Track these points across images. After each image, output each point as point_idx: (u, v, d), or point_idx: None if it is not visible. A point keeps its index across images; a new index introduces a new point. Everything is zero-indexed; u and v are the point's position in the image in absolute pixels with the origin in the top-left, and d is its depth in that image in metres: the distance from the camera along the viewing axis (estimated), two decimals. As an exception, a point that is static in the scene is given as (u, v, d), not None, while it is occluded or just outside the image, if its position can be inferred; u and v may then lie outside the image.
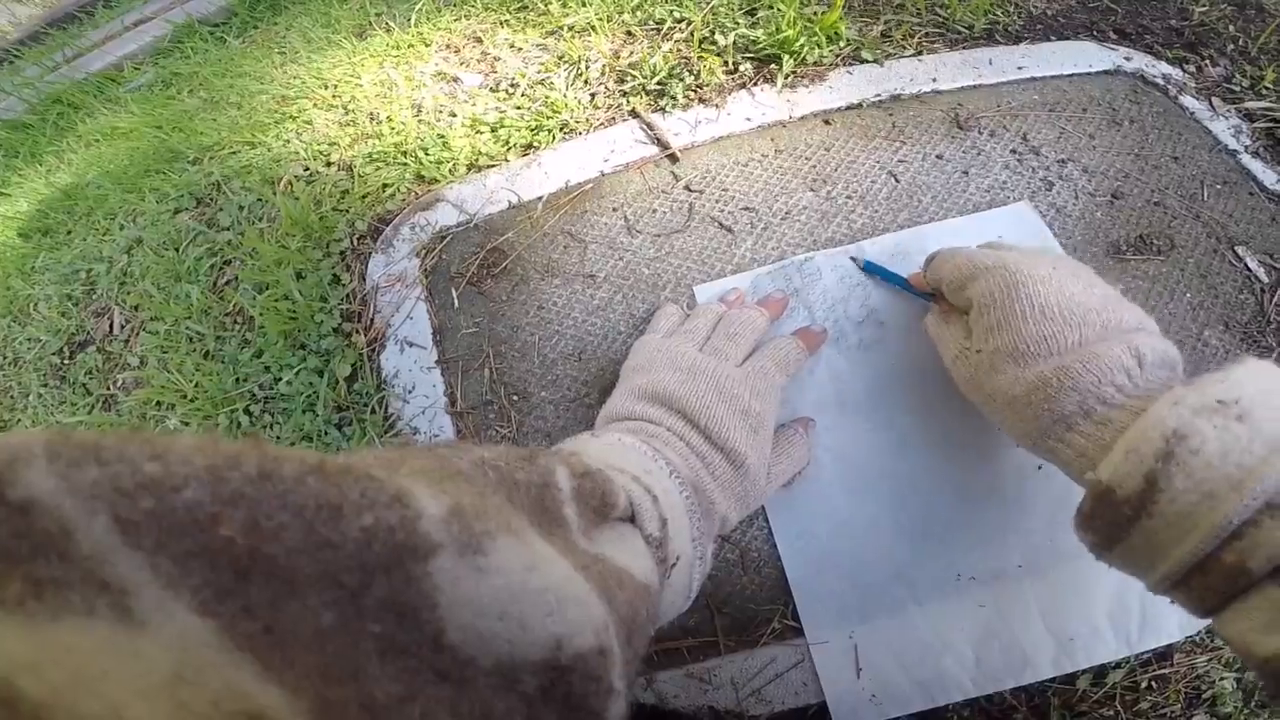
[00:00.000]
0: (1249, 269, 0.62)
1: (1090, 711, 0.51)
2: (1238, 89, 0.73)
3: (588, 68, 0.79)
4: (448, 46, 0.90)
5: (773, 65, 0.75)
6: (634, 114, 0.75)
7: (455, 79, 0.85)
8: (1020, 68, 0.74)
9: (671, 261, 0.65)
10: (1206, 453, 0.33)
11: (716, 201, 0.68)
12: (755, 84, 0.75)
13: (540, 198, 0.70)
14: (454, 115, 0.80)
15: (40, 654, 0.14)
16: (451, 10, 0.94)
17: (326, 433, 0.65)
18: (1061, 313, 0.42)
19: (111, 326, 0.82)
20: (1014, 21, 0.79)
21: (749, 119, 0.72)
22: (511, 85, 0.81)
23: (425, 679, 0.21)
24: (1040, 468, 0.54)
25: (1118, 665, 0.51)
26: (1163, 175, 0.67)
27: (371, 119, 0.84)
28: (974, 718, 0.51)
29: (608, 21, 0.83)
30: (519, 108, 0.79)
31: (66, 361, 0.82)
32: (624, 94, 0.77)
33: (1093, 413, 0.40)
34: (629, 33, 0.82)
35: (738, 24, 0.79)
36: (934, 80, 0.73)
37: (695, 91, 0.75)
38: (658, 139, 0.72)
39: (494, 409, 0.62)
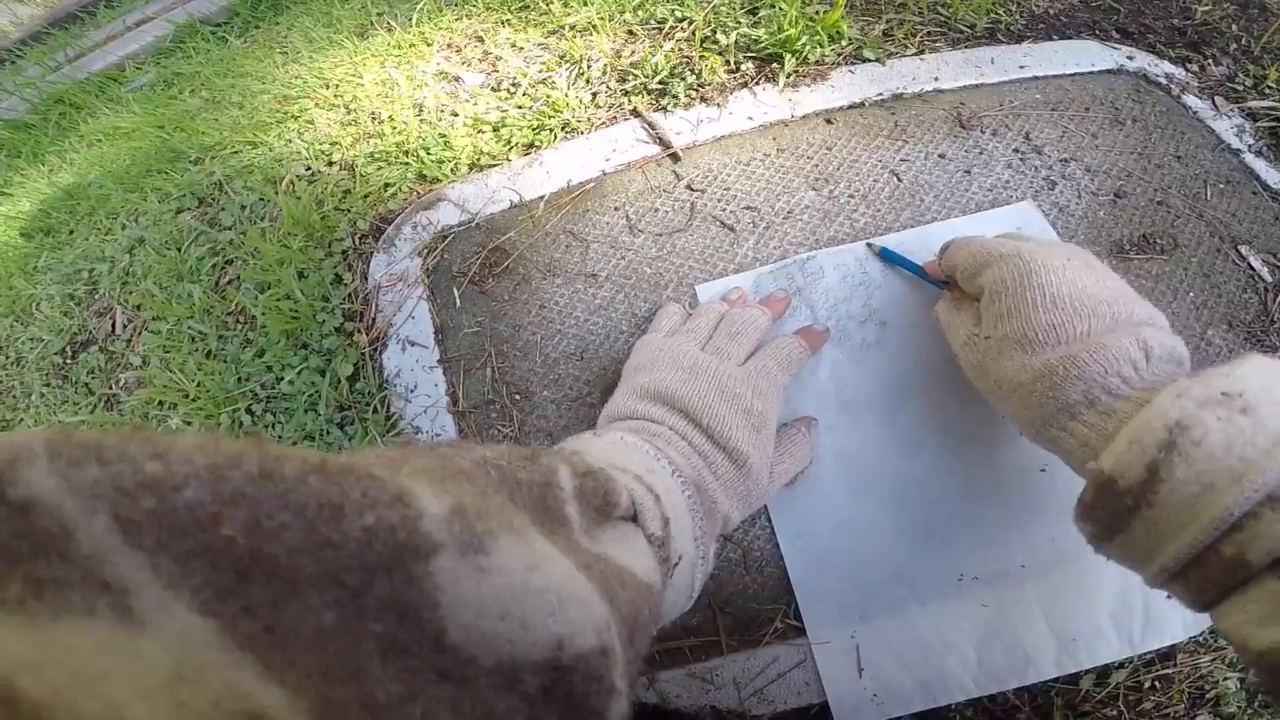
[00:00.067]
0: (1252, 268, 0.61)
1: (1093, 711, 0.51)
2: (1241, 88, 0.73)
3: (589, 67, 0.79)
4: (449, 46, 0.90)
5: (774, 64, 0.75)
6: (636, 113, 0.74)
7: (457, 78, 0.85)
8: (1022, 67, 0.73)
9: (673, 261, 0.65)
10: (1209, 444, 0.33)
11: (718, 201, 0.68)
12: (757, 83, 0.75)
13: (542, 197, 0.70)
14: (456, 115, 0.80)
15: (40, 654, 0.14)
16: (453, 10, 0.94)
17: (329, 432, 0.65)
18: (1072, 303, 0.42)
19: (114, 326, 0.82)
20: (1016, 20, 0.79)
21: (751, 118, 0.72)
22: (513, 84, 0.81)
23: (426, 679, 0.21)
24: (1044, 470, 0.54)
25: (1121, 665, 0.51)
26: (1166, 174, 0.66)
27: (373, 118, 0.84)
28: (977, 718, 0.51)
29: (609, 21, 0.83)
30: (520, 107, 0.78)
31: (69, 361, 0.82)
32: (626, 93, 0.77)
33: (1097, 402, 0.40)
34: (630, 32, 0.82)
35: (739, 23, 0.79)
36: (936, 79, 0.73)
37: (697, 90, 0.75)
38: (659, 138, 0.72)
39: (496, 408, 0.62)
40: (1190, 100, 0.71)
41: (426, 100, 0.83)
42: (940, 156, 0.68)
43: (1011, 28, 0.79)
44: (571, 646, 0.24)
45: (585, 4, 0.86)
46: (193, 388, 0.71)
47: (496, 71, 0.84)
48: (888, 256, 0.62)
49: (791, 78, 0.74)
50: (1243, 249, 0.62)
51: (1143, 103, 0.71)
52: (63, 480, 0.16)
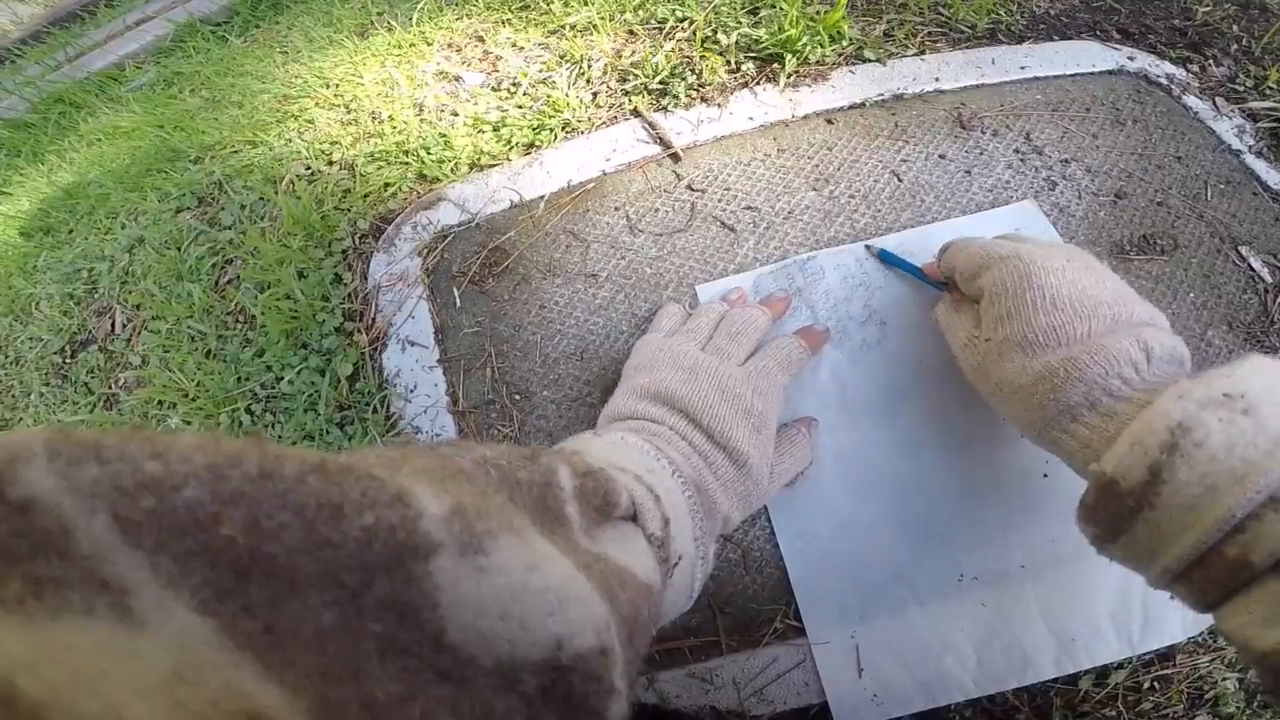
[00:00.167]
0: (1252, 269, 0.61)
1: (1092, 712, 0.51)
2: (1241, 89, 0.73)
3: (590, 67, 0.79)
4: (449, 45, 0.90)
5: (775, 64, 0.75)
6: (636, 113, 0.74)
7: (457, 78, 0.85)
8: (1023, 67, 0.73)
9: (673, 261, 0.65)
10: (1211, 445, 0.33)
11: (719, 201, 0.68)
12: (758, 83, 0.75)
13: (542, 197, 0.70)
14: (456, 114, 0.80)
15: (39, 653, 0.14)
16: (453, 9, 0.94)
17: (328, 432, 0.65)
18: (1072, 304, 0.42)
19: (113, 325, 0.82)
20: (1017, 21, 0.79)
21: (751, 118, 0.72)
22: (513, 84, 0.81)
23: (426, 678, 0.21)
24: (1046, 475, 0.54)
25: (1120, 666, 0.51)
26: (1166, 175, 0.66)
27: (373, 118, 0.84)
28: (976, 718, 0.51)
29: (610, 20, 0.83)
30: (521, 107, 0.78)
31: (68, 360, 0.82)
32: (626, 93, 0.77)
33: (1098, 404, 0.40)
34: (631, 32, 0.82)
35: (740, 23, 0.79)
36: (937, 80, 0.73)
37: (697, 91, 0.75)
38: (660, 138, 0.72)
39: (496, 408, 0.62)
40: (1191, 101, 0.71)
41: (427, 100, 0.83)
42: (941, 157, 0.68)
43: (1012, 28, 0.79)
44: (571, 646, 0.24)
45: (586, 4, 0.86)
46: (192, 387, 0.71)
47: (497, 71, 0.84)
48: (886, 258, 0.62)
49: (792, 78, 0.74)
50: (1243, 250, 0.62)
51: (1143, 103, 0.71)
52: (62, 479, 0.16)
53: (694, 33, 0.78)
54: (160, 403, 0.73)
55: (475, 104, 0.80)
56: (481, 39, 0.88)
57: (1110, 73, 0.73)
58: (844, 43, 0.77)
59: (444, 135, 0.78)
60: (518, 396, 0.62)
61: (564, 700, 0.24)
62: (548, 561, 0.25)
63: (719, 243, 0.66)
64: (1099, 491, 0.37)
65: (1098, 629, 0.51)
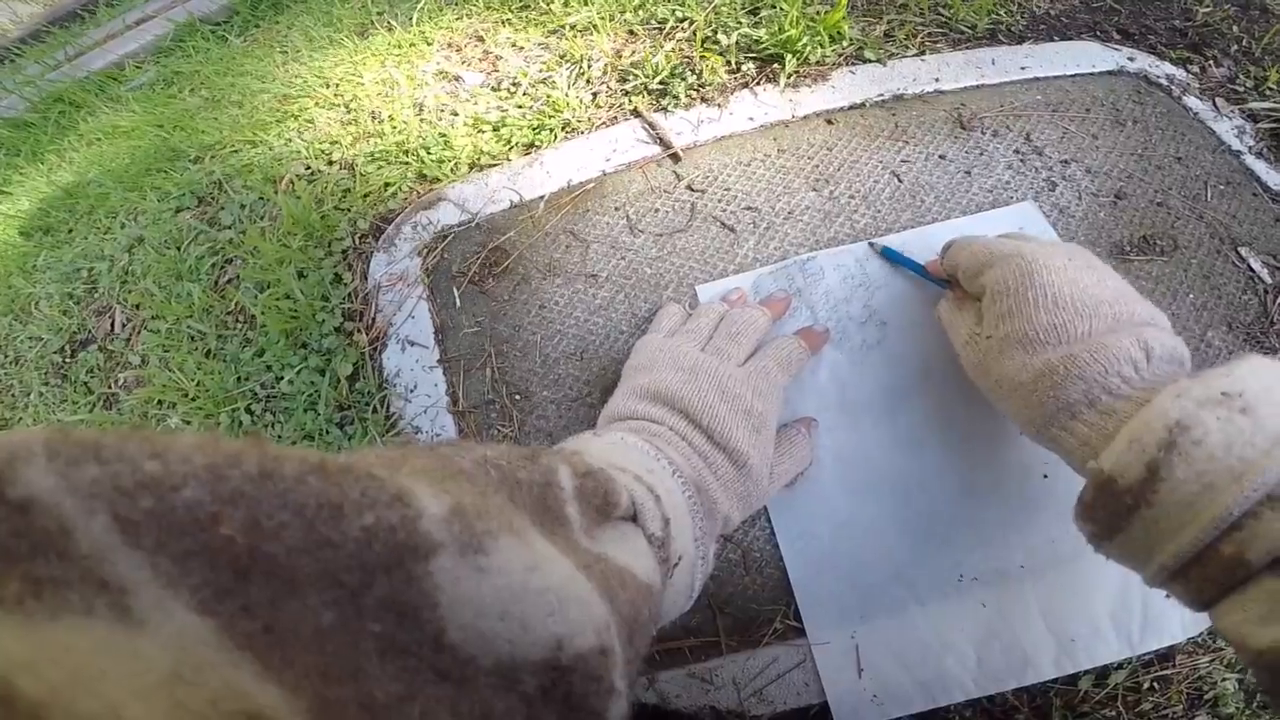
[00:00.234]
0: (1252, 270, 0.61)
1: (1092, 712, 0.51)
2: (1241, 90, 0.73)
3: (590, 67, 0.79)
4: (449, 45, 0.90)
5: (775, 65, 0.75)
6: (636, 113, 0.74)
7: (457, 78, 0.85)
8: (1023, 68, 0.73)
9: (673, 261, 0.65)
10: (1209, 444, 0.33)
11: (719, 201, 0.68)
12: (758, 83, 0.75)
13: (542, 197, 0.70)
14: (456, 114, 0.80)
15: (38, 653, 0.13)
16: (453, 9, 0.94)
17: (328, 432, 0.65)
18: (1073, 303, 0.42)
19: (113, 325, 0.82)
20: (1017, 21, 0.79)
21: (751, 118, 0.72)
22: (513, 84, 0.81)
23: (425, 678, 0.21)
24: (1046, 476, 0.54)
25: (1120, 666, 0.51)
26: (1166, 176, 0.66)
27: (373, 118, 0.84)
28: (976, 718, 0.51)
29: (610, 20, 0.83)
30: (521, 107, 0.78)
31: (68, 360, 0.82)
32: (626, 93, 0.77)
33: (1098, 402, 0.40)
34: (631, 32, 0.82)
35: (740, 23, 0.79)
36: (937, 80, 0.73)
37: (697, 91, 0.75)
38: (660, 138, 0.72)
39: (496, 408, 0.62)
40: (1191, 101, 0.71)
41: (427, 100, 0.83)
42: (941, 157, 0.68)
43: (1012, 29, 0.79)
44: (571, 647, 0.24)
45: (586, 3, 0.86)
46: (192, 387, 0.71)
47: (497, 71, 0.84)
48: (890, 256, 0.62)
49: (792, 78, 0.74)
50: (1243, 250, 0.62)
51: (1143, 104, 0.71)
52: (61, 479, 0.16)
53: (694, 33, 0.78)
54: (160, 402, 0.73)
55: (475, 104, 0.80)
56: (481, 39, 0.88)
57: (1110, 73, 0.73)
58: (844, 43, 0.77)
59: (444, 135, 0.78)
60: (517, 396, 0.62)
61: (564, 700, 0.24)
62: (548, 562, 0.24)
63: (719, 243, 0.66)
64: (1097, 489, 0.37)
65: (1097, 629, 0.51)
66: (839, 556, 0.54)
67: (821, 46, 0.75)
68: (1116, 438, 0.37)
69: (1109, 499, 0.36)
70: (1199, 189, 0.66)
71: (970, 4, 0.79)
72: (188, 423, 0.70)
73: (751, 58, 0.76)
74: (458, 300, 0.67)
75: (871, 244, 0.63)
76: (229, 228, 0.81)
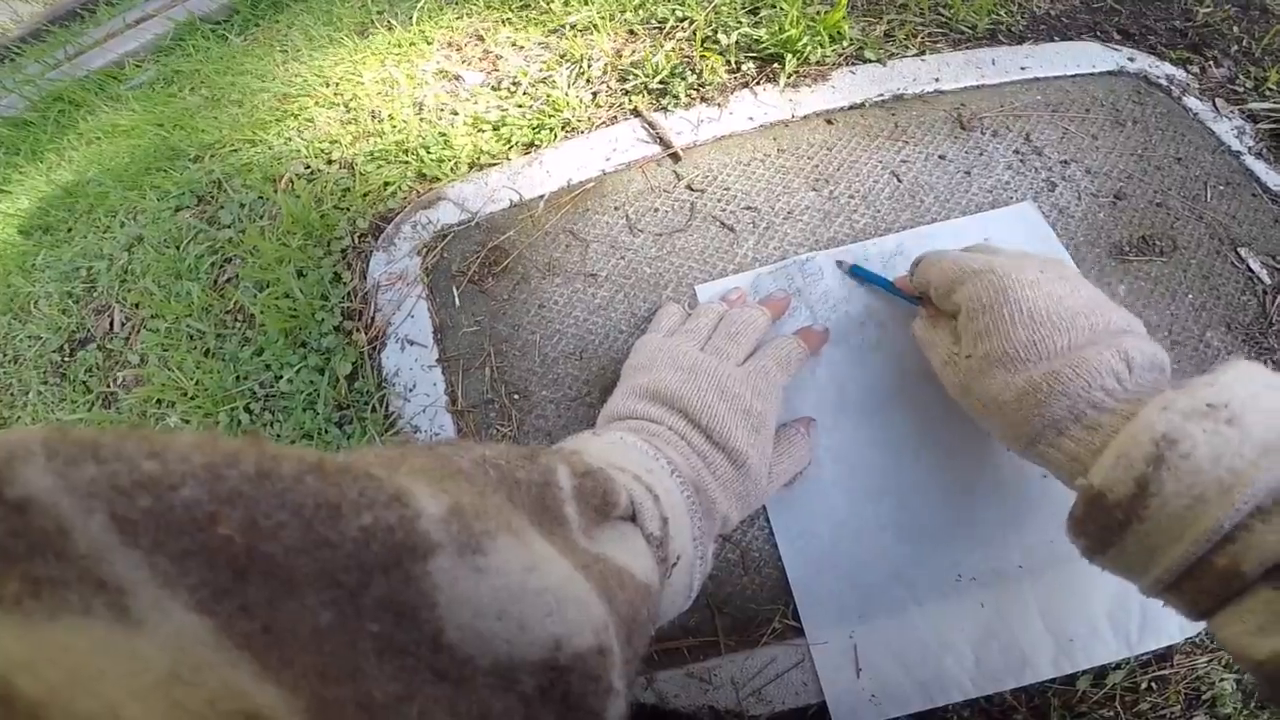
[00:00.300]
0: (1251, 270, 0.62)
1: (1090, 712, 0.51)
2: (1241, 90, 0.73)
3: (590, 66, 0.79)
4: (449, 45, 0.90)
5: (775, 64, 0.75)
6: (636, 113, 0.74)
7: (457, 77, 0.85)
8: (1023, 68, 0.73)
9: (673, 260, 0.65)
10: (1197, 457, 0.33)
11: (718, 201, 0.68)
12: (758, 83, 0.75)
13: (542, 196, 0.70)
14: (456, 113, 0.80)
15: (37, 653, 0.13)
16: (453, 8, 0.94)
17: (327, 431, 0.65)
18: (1050, 317, 0.42)
19: (112, 324, 0.82)
20: (1017, 22, 0.79)
21: (751, 118, 0.72)
22: (513, 83, 0.81)
23: (423, 678, 0.21)
24: (1045, 476, 0.54)
25: (1118, 666, 0.51)
26: (1165, 176, 0.66)
27: (373, 117, 0.84)
28: (974, 718, 0.51)
29: (610, 20, 0.83)
30: (520, 106, 0.78)
31: (67, 359, 0.82)
32: (626, 93, 0.77)
33: (1083, 417, 0.40)
34: (631, 31, 0.82)
35: (740, 23, 0.78)
36: (937, 80, 0.73)
37: (697, 90, 0.75)
38: (660, 138, 0.72)
39: (495, 408, 0.62)
40: (1191, 102, 0.71)
41: (426, 99, 0.83)
42: (940, 157, 0.68)
43: (1013, 29, 0.79)
44: (569, 647, 0.24)
45: (586, 3, 0.86)
46: (191, 386, 0.71)
47: (497, 70, 0.84)
48: (859, 274, 0.61)
49: (792, 78, 0.74)
50: (1242, 251, 0.62)
51: (1143, 104, 0.71)
52: (59, 479, 0.16)
53: (694, 32, 0.78)
54: (159, 401, 0.73)
55: (475, 103, 0.80)
56: (481, 38, 0.88)
57: (1110, 74, 0.73)
58: (844, 43, 0.76)
59: (444, 134, 0.78)
60: (516, 396, 0.62)
61: (562, 700, 0.24)
62: (546, 562, 0.24)
63: (718, 243, 0.66)
64: (1087, 505, 0.37)
65: (1096, 629, 0.51)
66: (838, 556, 0.54)
67: (821, 46, 0.75)
68: (1104, 453, 0.37)
69: (1100, 514, 0.36)
70: (1198, 189, 0.66)
71: (970, 4, 0.79)
72: (187, 422, 0.70)
73: (751, 57, 0.76)
74: (457, 299, 0.67)
75: (839, 263, 0.63)
76: (228, 227, 0.80)
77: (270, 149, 0.85)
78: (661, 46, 0.78)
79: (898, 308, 0.60)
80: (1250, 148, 0.68)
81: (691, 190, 0.69)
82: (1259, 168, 0.67)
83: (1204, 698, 0.52)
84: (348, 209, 0.75)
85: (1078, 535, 0.39)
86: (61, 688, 0.13)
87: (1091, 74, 0.73)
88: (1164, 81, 0.73)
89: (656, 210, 0.68)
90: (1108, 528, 0.36)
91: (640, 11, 0.83)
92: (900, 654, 0.51)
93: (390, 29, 0.95)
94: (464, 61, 0.87)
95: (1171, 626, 0.51)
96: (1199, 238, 0.63)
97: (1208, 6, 0.80)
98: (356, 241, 0.73)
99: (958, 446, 0.55)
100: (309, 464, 0.19)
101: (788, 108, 0.72)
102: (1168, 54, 0.76)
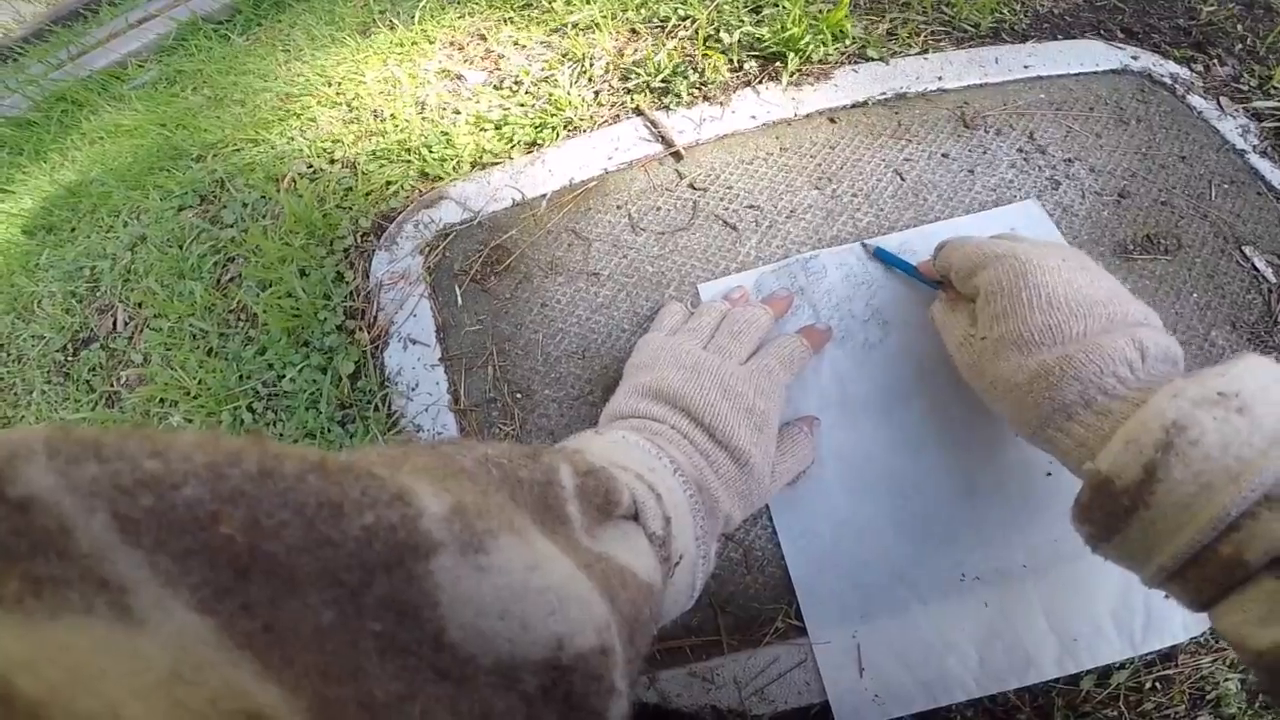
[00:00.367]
0: (1256, 269, 0.61)
1: (1094, 712, 0.51)
2: (1245, 88, 0.73)
3: (592, 65, 0.79)
4: (451, 44, 0.90)
5: (778, 63, 0.75)
6: (638, 111, 0.74)
7: (459, 76, 0.85)
8: (1027, 66, 0.73)
9: (675, 259, 0.65)
10: (1205, 444, 0.33)
11: (721, 199, 0.68)
12: (760, 82, 0.74)
13: (544, 195, 0.70)
14: (458, 113, 0.80)
15: (37, 652, 0.13)
16: (455, 7, 0.94)
17: (330, 430, 0.65)
18: (1068, 303, 0.42)
19: (115, 324, 0.82)
20: (1020, 20, 0.79)
21: (754, 117, 0.72)
22: (515, 83, 0.81)
23: (425, 678, 0.20)
24: (1049, 474, 0.54)
25: (1122, 666, 0.51)
26: (1170, 175, 0.66)
27: (375, 116, 0.84)
28: (977, 718, 0.51)
29: (612, 19, 0.83)
30: (523, 105, 0.78)
31: (70, 358, 0.83)
32: (628, 91, 0.76)
33: (1093, 402, 0.40)
34: (633, 30, 0.82)
35: (742, 21, 0.78)
36: (940, 79, 0.73)
37: (700, 89, 0.75)
38: (662, 137, 0.72)
39: (497, 406, 0.62)
40: (1195, 100, 0.71)
41: (429, 98, 0.83)
42: (944, 156, 0.68)
43: (1016, 27, 0.78)
44: (571, 646, 0.24)
45: (588, 2, 0.86)
46: (194, 385, 0.71)
47: (499, 69, 0.84)
48: (882, 257, 0.61)
49: (795, 76, 0.74)
50: (1247, 250, 0.62)
51: (1147, 103, 0.71)
52: (61, 478, 0.16)
53: (696, 31, 0.78)
54: (162, 401, 0.73)
55: (477, 102, 0.80)
56: (484, 37, 0.88)
57: (1114, 72, 0.73)
58: (847, 41, 0.76)
59: (446, 133, 0.78)
60: (519, 395, 0.62)
61: (564, 700, 0.24)
62: (548, 561, 0.24)
63: (721, 241, 0.66)
64: (1094, 490, 0.37)
65: (1100, 629, 0.51)
66: (841, 555, 0.54)
67: (824, 45, 0.75)
68: (1113, 438, 0.37)
69: (1106, 500, 0.36)
70: (1203, 188, 0.65)
71: (973, 2, 0.79)
72: (189, 421, 0.70)
73: (754, 56, 0.76)
74: (459, 298, 0.67)
75: (864, 244, 0.63)
76: (231, 226, 0.81)
77: (273, 148, 0.86)
78: (664, 45, 0.78)
79: (902, 307, 0.60)
80: (1255, 146, 0.68)
81: (694, 189, 0.69)
82: (1263, 166, 0.67)
83: (1208, 697, 0.51)
84: (350, 208, 0.75)
85: (1083, 522, 0.39)
86: (62, 687, 0.13)
87: (1095, 72, 0.73)
88: (1168, 80, 0.72)
89: (659, 209, 0.68)
90: (1113, 514, 0.36)
91: (642, 10, 0.83)
92: (903, 653, 0.51)
93: (392, 28, 0.95)
94: (466, 61, 0.87)
95: (1176, 626, 0.51)
96: (1203, 236, 0.63)
97: (1211, 5, 0.80)
98: (359, 241, 0.73)
99: (961, 445, 0.55)
100: (311, 463, 0.19)
101: (790, 106, 0.72)
102: (1171, 52, 0.76)
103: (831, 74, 0.74)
